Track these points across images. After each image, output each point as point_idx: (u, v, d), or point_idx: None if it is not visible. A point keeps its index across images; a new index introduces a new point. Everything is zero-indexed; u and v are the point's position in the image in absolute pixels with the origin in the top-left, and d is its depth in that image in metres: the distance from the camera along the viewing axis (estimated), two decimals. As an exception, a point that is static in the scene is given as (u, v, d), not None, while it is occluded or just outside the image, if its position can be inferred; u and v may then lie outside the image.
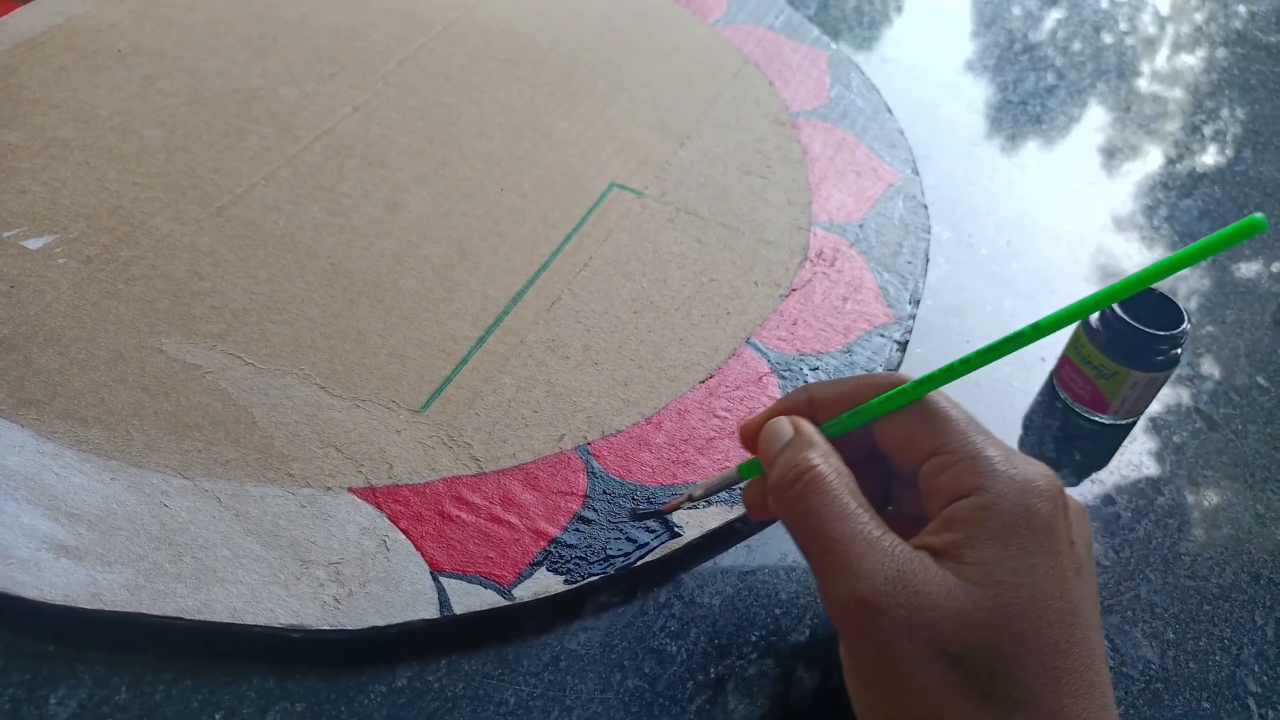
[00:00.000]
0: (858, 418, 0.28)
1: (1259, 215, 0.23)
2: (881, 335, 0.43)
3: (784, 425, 0.29)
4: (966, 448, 0.26)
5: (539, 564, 0.33)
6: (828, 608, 0.25)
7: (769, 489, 0.28)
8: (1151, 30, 0.72)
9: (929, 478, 0.26)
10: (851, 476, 0.27)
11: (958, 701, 0.23)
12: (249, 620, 0.31)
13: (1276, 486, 0.40)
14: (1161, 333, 0.37)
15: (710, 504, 0.36)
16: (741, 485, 0.33)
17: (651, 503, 0.35)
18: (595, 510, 0.35)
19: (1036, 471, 0.25)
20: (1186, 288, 0.49)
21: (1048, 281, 0.48)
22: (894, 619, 0.23)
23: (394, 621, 0.31)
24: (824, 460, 0.27)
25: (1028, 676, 0.23)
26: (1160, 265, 0.24)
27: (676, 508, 0.35)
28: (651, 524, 0.35)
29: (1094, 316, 0.39)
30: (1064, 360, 0.41)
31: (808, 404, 0.30)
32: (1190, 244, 0.24)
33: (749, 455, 0.37)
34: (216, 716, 0.30)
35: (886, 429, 0.28)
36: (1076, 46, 0.68)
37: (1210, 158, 0.59)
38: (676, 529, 0.35)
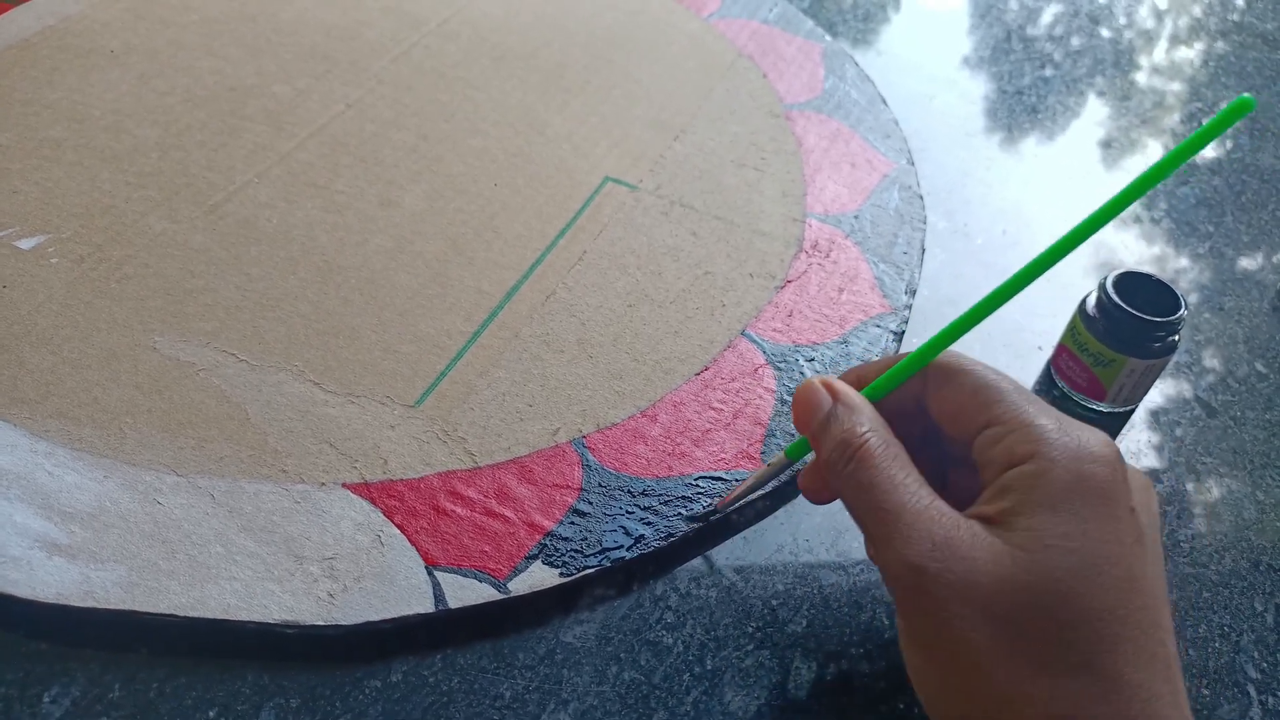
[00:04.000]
0: (897, 376, 0.28)
1: (1247, 95, 0.23)
2: (878, 326, 0.43)
3: (819, 392, 0.28)
4: (1019, 417, 0.26)
5: (534, 557, 0.33)
6: (883, 576, 0.26)
7: (823, 466, 0.28)
8: (1149, 24, 0.71)
9: (982, 450, 0.26)
10: (901, 447, 0.27)
11: (1008, 665, 0.23)
12: (243, 617, 0.31)
13: (1276, 473, 0.40)
14: (1158, 319, 0.37)
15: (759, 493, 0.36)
16: (798, 467, 0.33)
17: (704, 509, 0.35)
18: (590, 503, 0.35)
19: (1093, 438, 0.25)
20: (1184, 276, 0.49)
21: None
22: (942, 583, 0.24)
23: (389, 616, 0.31)
24: (874, 433, 0.27)
25: (1081, 642, 0.23)
26: (1163, 162, 0.24)
27: (729, 506, 0.35)
28: (653, 520, 0.35)
29: (1090, 303, 0.39)
30: (1061, 348, 0.41)
31: (856, 382, 0.30)
32: (1186, 138, 0.24)
33: (744, 444, 0.37)
34: (211, 713, 0.29)
35: (938, 404, 0.28)
36: (1074, 40, 0.68)
37: (1208, 146, 0.59)
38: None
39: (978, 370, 0.27)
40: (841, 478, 0.27)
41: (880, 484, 0.26)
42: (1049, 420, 0.25)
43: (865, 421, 0.27)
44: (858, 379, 0.30)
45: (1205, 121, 0.24)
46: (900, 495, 0.25)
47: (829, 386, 0.28)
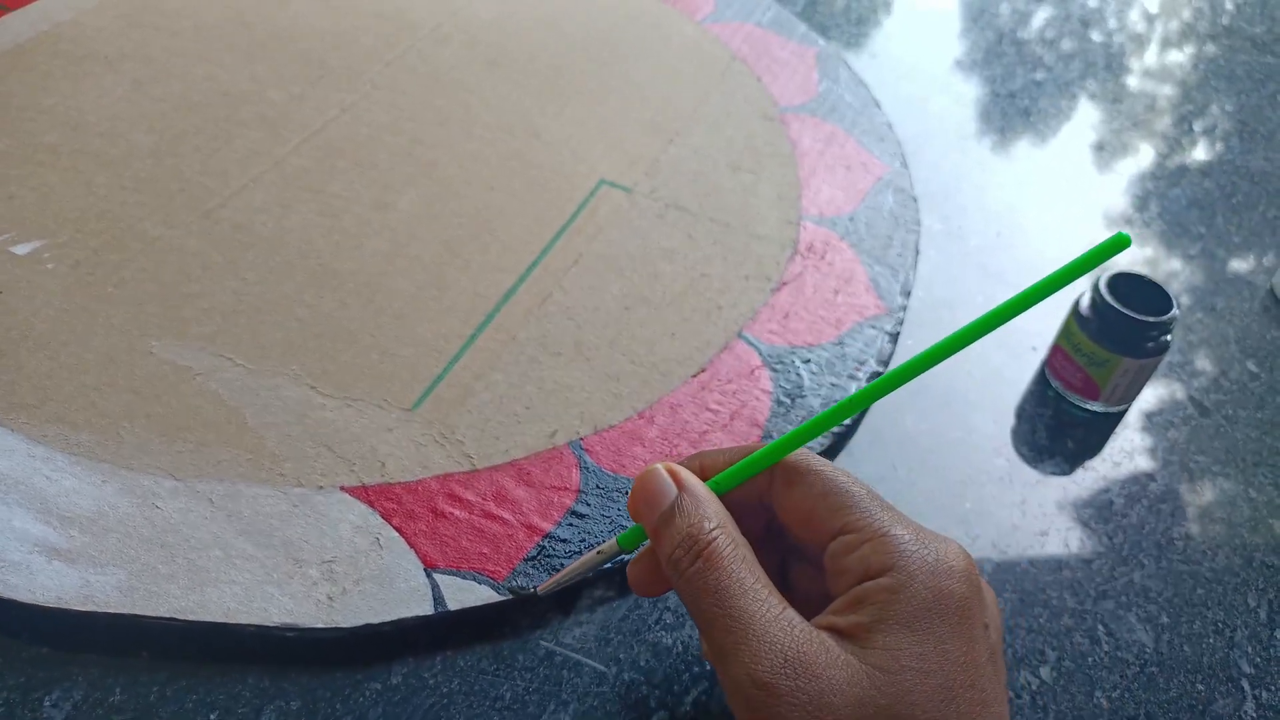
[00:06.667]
0: (745, 470, 0.27)
1: (1124, 233, 0.24)
2: (873, 327, 0.43)
3: (663, 479, 0.26)
4: (874, 526, 0.25)
5: (533, 559, 0.33)
6: (725, 689, 0.24)
7: (663, 562, 0.25)
8: (1140, 27, 0.72)
9: (835, 558, 0.25)
10: (749, 548, 0.25)
11: None
12: (243, 620, 0.31)
13: (1267, 471, 0.40)
14: (1151, 319, 0.37)
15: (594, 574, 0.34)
16: (623, 558, 0.31)
17: (529, 588, 0.33)
18: (588, 505, 0.35)
19: (949, 551, 0.24)
20: (1176, 277, 0.50)
21: (1038, 272, 0.48)
22: (791, 703, 0.22)
23: (388, 619, 0.31)
24: (722, 531, 0.25)
25: None
26: (1025, 294, 0.25)
27: (551, 588, 0.30)
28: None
29: (1084, 304, 0.40)
30: (1055, 349, 0.42)
31: (699, 470, 0.28)
32: (1059, 267, 0.24)
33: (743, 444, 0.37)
34: (212, 716, 0.29)
35: (788, 506, 0.27)
36: (1065, 43, 0.69)
37: (1199, 149, 0.59)
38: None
39: (827, 472, 0.26)
40: (685, 577, 0.25)
41: (729, 588, 0.24)
42: (905, 530, 0.25)
43: (713, 517, 0.25)
44: (701, 468, 0.28)
45: (1082, 252, 0.25)
46: (749, 602, 0.23)
47: (674, 474, 0.26)
